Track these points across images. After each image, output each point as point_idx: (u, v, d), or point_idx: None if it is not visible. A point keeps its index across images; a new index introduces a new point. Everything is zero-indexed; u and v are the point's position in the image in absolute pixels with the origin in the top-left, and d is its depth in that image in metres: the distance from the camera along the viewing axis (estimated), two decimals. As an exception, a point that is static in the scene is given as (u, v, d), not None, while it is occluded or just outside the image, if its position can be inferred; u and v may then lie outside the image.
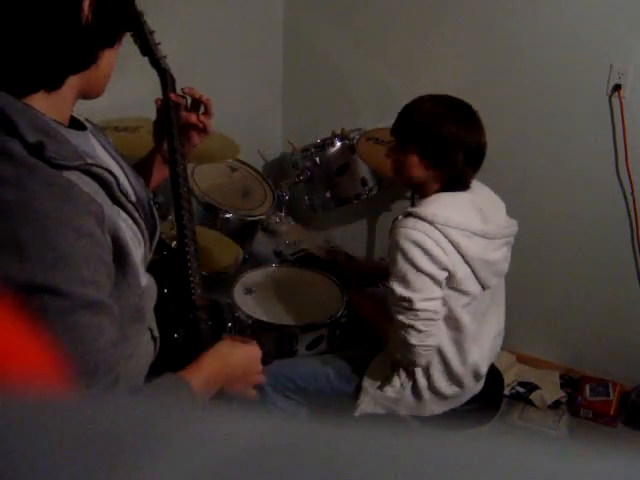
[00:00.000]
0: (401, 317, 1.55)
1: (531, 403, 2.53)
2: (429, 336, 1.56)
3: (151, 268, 1.09)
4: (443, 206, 1.55)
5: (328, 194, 2.50)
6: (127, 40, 1.02)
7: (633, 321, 2.48)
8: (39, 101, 0.88)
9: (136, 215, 0.98)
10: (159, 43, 1.24)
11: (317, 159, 2.45)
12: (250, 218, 2.32)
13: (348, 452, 0.24)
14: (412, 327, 1.54)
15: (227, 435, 0.25)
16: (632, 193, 2.34)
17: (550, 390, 2.56)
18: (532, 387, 2.57)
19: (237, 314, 1.98)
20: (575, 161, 2.41)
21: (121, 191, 0.95)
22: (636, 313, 2.47)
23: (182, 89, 1.28)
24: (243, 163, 2.50)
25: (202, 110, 1.29)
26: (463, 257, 1.55)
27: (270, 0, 2.77)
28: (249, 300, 2.08)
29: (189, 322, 1.11)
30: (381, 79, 2.70)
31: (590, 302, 2.55)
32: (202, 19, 2.40)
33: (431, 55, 2.57)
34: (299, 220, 2.65)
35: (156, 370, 1.06)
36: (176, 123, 1.25)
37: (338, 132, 2.49)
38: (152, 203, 1.12)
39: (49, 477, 0.23)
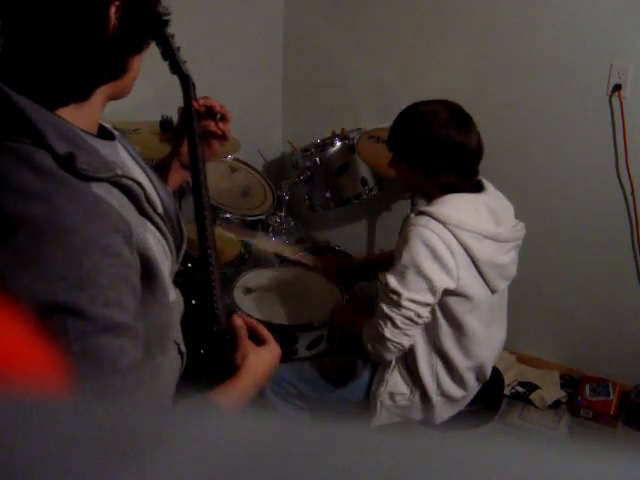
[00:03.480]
0: (384, 306, 1.56)
1: (531, 403, 2.53)
2: (403, 335, 1.56)
3: (176, 281, 1.07)
4: (456, 207, 1.54)
5: (328, 194, 2.49)
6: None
7: (633, 321, 2.48)
8: (68, 112, 0.87)
9: (164, 228, 0.95)
10: (179, 48, 1.21)
11: (317, 159, 2.45)
12: (250, 218, 2.32)
13: (347, 453, 0.24)
14: (391, 319, 1.54)
15: (228, 437, 0.25)
16: (632, 193, 2.34)
17: (550, 390, 2.56)
18: (532, 387, 2.57)
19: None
20: (575, 161, 2.41)
21: (149, 203, 0.92)
22: (636, 313, 2.47)
23: (196, 100, 1.25)
24: (243, 163, 2.50)
25: (219, 117, 1.27)
26: (472, 260, 1.54)
27: (270, 0, 2.77)
28: (249, 300, 2.08)
29: (212, 335, 1.09)
30: (381, 79, 2.70)
31: (590, 302, 2.55)
32: (202, 19, 2.40)
33: (431, 55, 2.57)
34: (299, 220, 2.65)
35: (181, 384, 1.05)
36: (198, 131, 1.22)
37: (338, 132, 2.49)
38: (179, 213, 1.09)
39: (50, 478, 0.23)
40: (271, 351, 1.11)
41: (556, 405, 2.53)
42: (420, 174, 1.60)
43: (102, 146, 0.92)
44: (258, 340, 1.11)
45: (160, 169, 1.29)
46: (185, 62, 1.23)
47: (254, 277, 2.20)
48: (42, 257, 0.75)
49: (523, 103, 2.44)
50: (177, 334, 1.07)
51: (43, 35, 0.83)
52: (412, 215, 1.57)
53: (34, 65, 0.84)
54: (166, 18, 0.97)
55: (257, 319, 1.95)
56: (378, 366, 1.74)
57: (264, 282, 2.19)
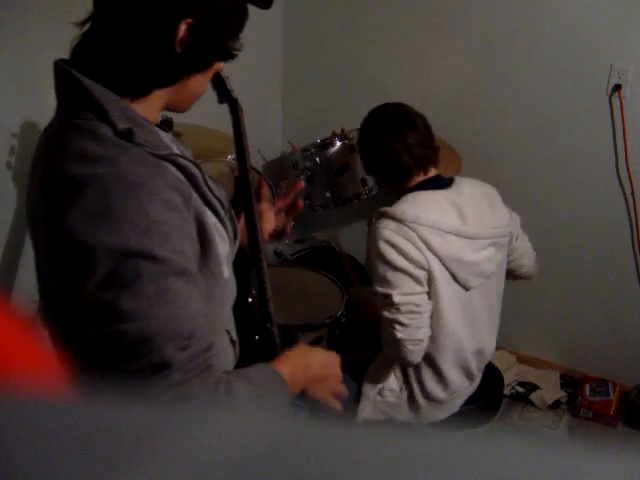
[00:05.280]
0: (385, 313, 1.57)
1: (531, 403, 2.53)
2: (415, 329, 1.56)
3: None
4: (415, 204, 1.57)
5: (328, 194, 2.49)
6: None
7: (633, 321, 2.48)
8: (129, 101, 0.93)
9: (221, 212, 1.00)
10: (228, 77, 1.28)
11: (317, 159, 2.45)
12: (250, 218, 2.31)
13: (347, 453, 0.24)
14: (396, 321, 1.55)
15: (227, 436, 0.25)
16: (632, 193, 2.34)
17: (550, 390, 2.56)
18: (532, 387, 2.57)
19: (237, 314, 1.98)
20: (575, 161, 2.41)
21: (207, 186, 0.97)
22: (636, 313, 2.47)
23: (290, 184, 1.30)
24: (243, 163, 2.50)
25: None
26: (435, 255, 1.55)
27: (270, 0, 2.77)
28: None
29: (266, 333, 1.13)
30: (381, 79, 2.70)
31: (590, 302, 2.55)
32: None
33: (431, 55, 2.57)
34: (299, 220, 2.64)
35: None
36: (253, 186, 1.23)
37: (338, 132, 2.49)
38: (232, 210, 1.12)
39: (49, 477, 0.23)
40: (329, 353, 1.14)
41: (556, 405, 2.53)
42: (379, 180, 1.70)
43: (161, 134, 0.98)
44: None
45: None
46: (232, 90, 1.29)
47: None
48: (111, 209, 0.81)
49: (523, 103, 2.44)
50: (229, 323, 1.10)
51: (117, 33, 0.90)
52: (374, 219, 1.61)
53: (105, 56, 0.91)
54: (235, 53, 1.02)
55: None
56: (373, 361, 1.75)
57: (264, 282, 2.19)
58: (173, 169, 0.91)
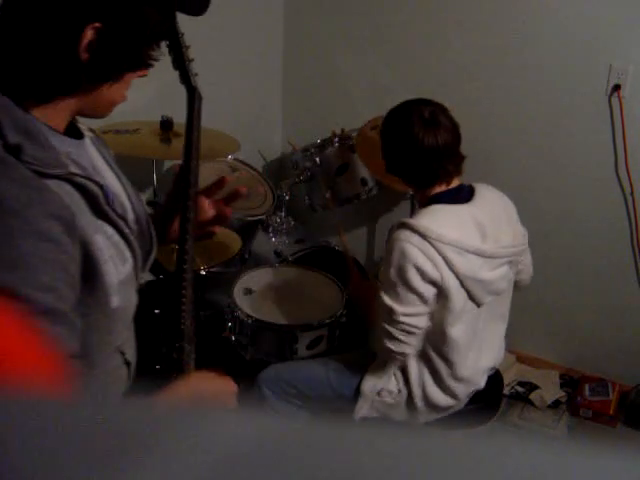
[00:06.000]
0: (383, 323, 1.59)
1: (531, 403, 2.53)
2: (405, 345, 1.60)
3: (142, 289, 1.05)
4: (438, 220, 1.54)
5: (328, 194, 2.49)
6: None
7: (633, 321, 2.48)
8: (31, 107, 0.87)
9: (126, 231, 0.94)
10: (193, 59, 1.17)
11: (317, 159, 2.45)
12: (250, 218, 2.32)
13: (348, 453, 0.25)
14: (391, 335, 1.58)
15: (227, 437, 0.25)
16: (632, 193, 2.34)
17: (550, 390, 2.56)
18: (532, 387, 2.57)
19: (237, 314, 1.98)
20: (575, 161, 2.41)
21: (109, 205, 0.91)
22: (636, 313, 2.47)
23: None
24: (243, 163, 2.50)
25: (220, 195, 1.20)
26: (454, 273, 1.54)
27: (270, 0, 2.77)
28: (249, 300, 2.08)
29: (174, 351, 1.05)
30: (381, 79, 2.70)
31: (590, 302, 2.55)
32: (201, 19, 2.39)
33: (430, 55, 2.57)
34: (299, 220, 2.65)
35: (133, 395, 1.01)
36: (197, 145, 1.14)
37: (338, 132, 2.49)
38: (150, 222, 1.07)
39: (48, 477, 0.23)
40: (223, 382, 1.04)
41: (556, 405, 2.53)
42: (398, 176, 1.66)
43: (64, 144, 0.91)
44: None
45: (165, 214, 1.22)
46: (196, 75, 1.17)
47: (254, 277, 2.20)
48: None
49: (522, 104, 2.44)
50: (123, 343, 1.03)
51: (19, 33, 0.84)
52: (395, 226, 1.59)
53: (5, 56, 0.85)
54: (152, 62, 0.93)
55: (257, 319, 1.96)
56: (373, 361, 1.76)
57: (264, 282, 2.19)
58: (68, 188, 0.84)
